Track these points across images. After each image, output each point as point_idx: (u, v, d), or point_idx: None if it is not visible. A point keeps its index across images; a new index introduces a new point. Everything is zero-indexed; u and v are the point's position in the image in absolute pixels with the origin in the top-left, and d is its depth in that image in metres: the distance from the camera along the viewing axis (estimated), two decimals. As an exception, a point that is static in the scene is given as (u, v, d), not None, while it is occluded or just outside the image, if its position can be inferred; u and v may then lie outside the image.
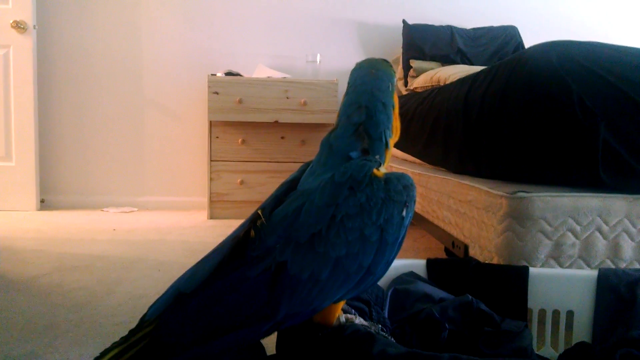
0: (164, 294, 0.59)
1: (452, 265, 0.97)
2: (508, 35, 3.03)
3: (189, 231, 2.44)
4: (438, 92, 1.86)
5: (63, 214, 2.83)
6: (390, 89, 0.73)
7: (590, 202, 1.07)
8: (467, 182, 1.29)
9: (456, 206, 1.34)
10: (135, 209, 3.03)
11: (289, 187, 0.67)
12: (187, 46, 3.09)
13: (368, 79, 0.72)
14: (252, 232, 0.60)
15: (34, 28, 2.83)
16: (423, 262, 0.99)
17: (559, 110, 1.10)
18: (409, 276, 0.96)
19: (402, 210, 0.63)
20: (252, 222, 0.61)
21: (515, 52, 2.99)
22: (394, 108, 0.73)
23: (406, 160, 2.21)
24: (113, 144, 3.08)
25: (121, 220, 2.68)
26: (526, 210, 1.06)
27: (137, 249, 2.05)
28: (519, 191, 1.07)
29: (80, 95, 3.03)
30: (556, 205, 1.06)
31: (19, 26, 2.78)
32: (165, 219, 2.78)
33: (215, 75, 2.81)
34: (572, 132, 1.09)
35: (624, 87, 1.07)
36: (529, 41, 3.11)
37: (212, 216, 2.77)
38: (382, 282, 0.92)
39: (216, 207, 2.77)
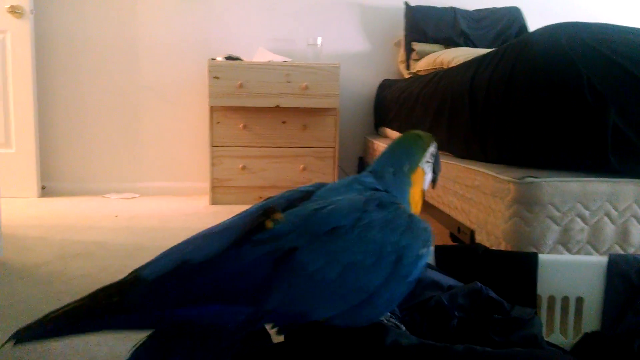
0: (161, 258, 0.56)
1: (461, 251, 0.96)
2: (511, 17, 2.99)
3: (191, 218, 2.43)
4: (442, 75, 1.84)
5: (64, 201, 2.82)
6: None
7: (599, 187, 1.05)
8: (473, 167, 1.27)
9: (462, 191, 1.32)
10: (137, 195, 3.01)
11: (302, 197, 0.65)
12: (186, 30, 3.05)
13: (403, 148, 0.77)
14: (269, 223, 0.57)
15: (31, 13, 2.79)
16: (431, 248, 0.97)
17: (567, 94, 1.08)
18: (417, 263, 0.95)
19: (421, 248, 0.62)
20: (264, 215, 0.59)
21: (519, 34, 2.96)
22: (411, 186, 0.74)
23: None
24: (113, 129, 3.05)
25: (123, 207, 2.67)
26: (534, 195, 1.04)
27: (139, 236, 2.05)
28: (527, 176, 1.06)
29: (80, 80, 3.00)
30: (564, 191, 1.04)
31: (15, 11, 2.74)
32: (167, 205, 2.76)
33: (215, 59, 2.77)
34: (581, 116, 1.07)
35: (635, 70, 1.05)
36: (532, 23, 3.08)
37: (214, 202, 2.75)
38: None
39: (218, 192, 2.76)
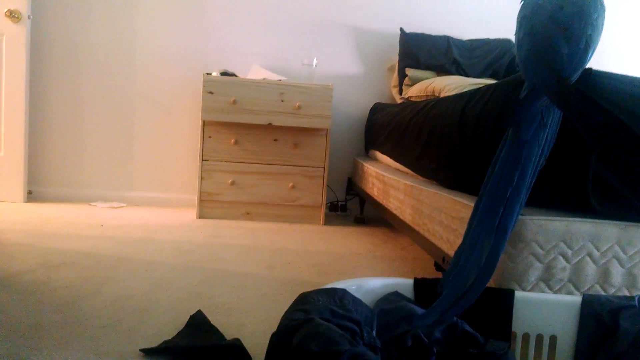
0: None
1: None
2: (503, 49, 3.05)
3: (177, 230, 2.43)
4: (433, 105, 1.87)
5: (50, 207, 2.81)
6: None
7: (582, 227, 1.08)
8: (460, 199, 1.30)
9: (448, 222, 1.35)
10: (124, 205, 3.01)
11: None
12: (183, 43, 3.08)
13: None
14: None
15: (29, 18, 2.80)
16: (410, 281, 0.99)
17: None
18: (394, 295, 0.96)
19: None
20: None
21: (509, 65, 3.02)
22: None
23: (399, 170, 2.22)
24: (104, 138, 3.06)
25: (109, 216, 2.67)
26: (519, 232, 1.07)
27: (124, 247, 2.04)
28: (509, 213, 1.08)
29: (73, 87, 3.01)
30: (548, 229, 1.07)
31: (13, 15, 2.75)
32: (153, 215, 2.76)
33: (210, 74, 2.80)
34: (563, 159, 1.11)
35: (618, 116, 1.08)
36: (524, 55, 3.13)
37: (201, 215, 2.76)
38: (369, 301, 0.93)
39: (206, 206, 2.76)
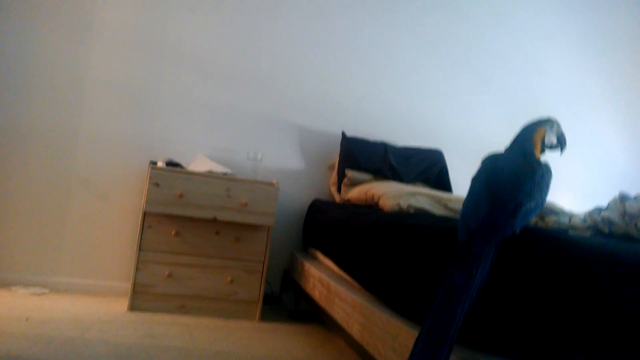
0: None
1: None
2: (435, 159, 3.33)
3: (110, 327, 2.33)
4: (379, 218, 2.00)
5: (-36, 292, 2.59)
6: None
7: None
8: (415, 331, 1.39)
9: (402, 350, 1.43)
10: (47, 290, 2.84)
11: None
12: (127, 130, 3.07)
13: None
14: None
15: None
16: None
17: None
18: None
19: None
20: None
21: (440, 174, 3.29)
22: None
23: (343, 278, 2.31)
24: (33, 217, 2.91)
25: (34, 306, 2.50)
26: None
27: (55, 350, 1.93)
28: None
29: (5, 160, 2.87)
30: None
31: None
32: (82, 306, 2.63)
33: (155, 163, 2.80)
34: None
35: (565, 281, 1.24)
36: (452, 164, 3.45)
37: (133, 307, 2.66)
38: None
39: (139, 298, 2.68)
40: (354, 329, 1.79)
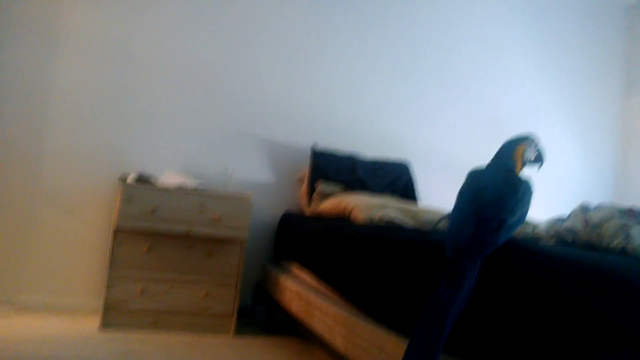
0: None
1: None
2: (402, 171, 3.44)
3: (83, 345, 2.29)
4: (355, 232, 2.07)
5: None
6: None
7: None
8: (402, 342, 1.45)
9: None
10: (12, 308, 2.76)
11: None
12: (96, 143, 3.04)
13: None
14: None
15: None
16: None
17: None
18: None
19: None
20: None
21: (406, 185, 3.40)
22: None
23: (320, 290, 2.36)
24: (-5, 235, 2.83)
25: (2, 326, 2.43)
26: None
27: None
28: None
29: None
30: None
31: None
32: (51, 325, 2.57)
33: (126, 176, 2.78)
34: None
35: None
36: (419, 176, 3.56)
37: (105, 324, 2.61)
38: None
39: (111, 315, 2.63)
40: (337, 341, 1.84)
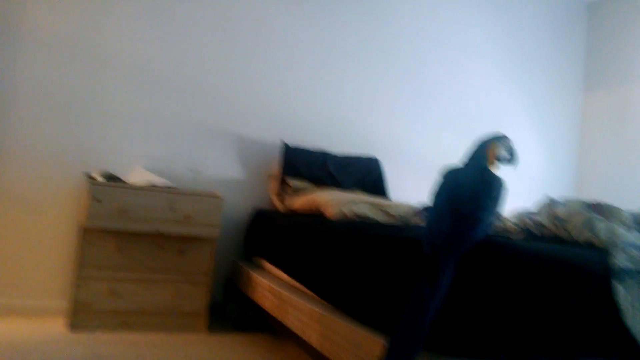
0: None
1: None
2: (372, 166, 3.47)
3: (52, 348, 2.23)
4: (330, 231, 2.08)
5: None
6: None
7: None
8: (380, 338, 1.47)
9: (368, 358, 1.50)
10: (-27, 314, 2.66)
11: None
12: (59, 139, 2.94)
13: None
14: None
15: None
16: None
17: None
18: None
19: None
20: None
21: (376, 181, 3.43)
22: None
23: (295, 287, 2.36)
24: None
25: (-38, 333, 2.35)
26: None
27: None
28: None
29: None
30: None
31: None
32: (16, 328, 2.49)
33: (91, 175, 2.71)
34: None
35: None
36: (388, 171, 3.60)
37: (73, 326, 2.55)
38: None
39: (80, 316, 2.57)
40: (312, 337, 1.85)
